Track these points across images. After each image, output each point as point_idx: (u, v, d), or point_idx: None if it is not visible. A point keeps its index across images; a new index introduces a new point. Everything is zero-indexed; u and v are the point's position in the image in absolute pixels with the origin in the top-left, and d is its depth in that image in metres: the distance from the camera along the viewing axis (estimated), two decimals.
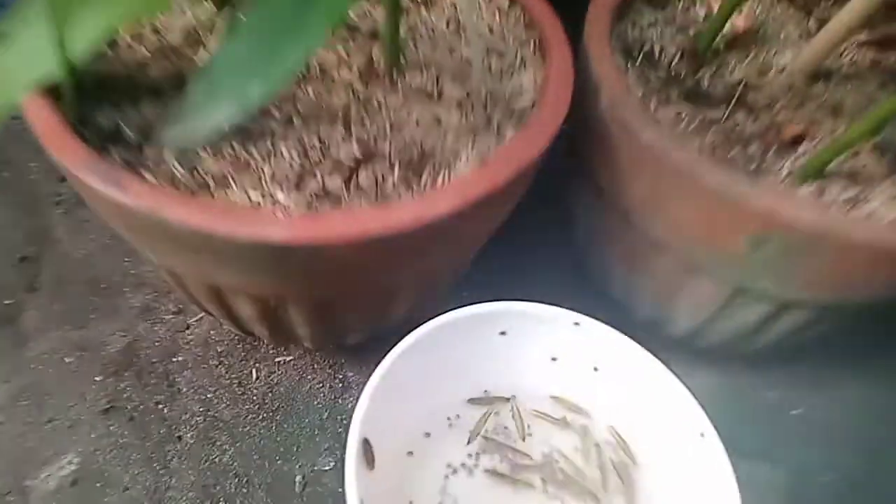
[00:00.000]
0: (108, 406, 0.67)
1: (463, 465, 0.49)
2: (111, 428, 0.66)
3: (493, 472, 0.48)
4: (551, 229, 0.86)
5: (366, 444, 0.44)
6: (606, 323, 0.50)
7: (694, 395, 0.49)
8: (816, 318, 0.59)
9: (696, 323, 0.65)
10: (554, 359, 0.51)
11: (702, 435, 0.45)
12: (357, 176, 0.48)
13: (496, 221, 0.54)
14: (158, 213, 0.40)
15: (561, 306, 0.64)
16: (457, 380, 0.49)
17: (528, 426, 0.50)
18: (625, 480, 0.47)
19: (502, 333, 0.49)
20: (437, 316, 0.50)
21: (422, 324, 0.49)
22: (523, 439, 0.49)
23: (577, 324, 0.49)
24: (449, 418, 0.51)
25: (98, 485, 0.63)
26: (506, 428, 0.50)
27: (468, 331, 0.48)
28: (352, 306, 0.55)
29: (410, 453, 0.49)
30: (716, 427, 0.68)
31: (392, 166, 0.48)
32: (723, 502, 0.42)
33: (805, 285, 0.53)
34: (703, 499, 0.43)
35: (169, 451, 0.66)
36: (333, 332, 0.61)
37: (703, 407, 0.46)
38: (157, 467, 0.65)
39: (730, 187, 0.49)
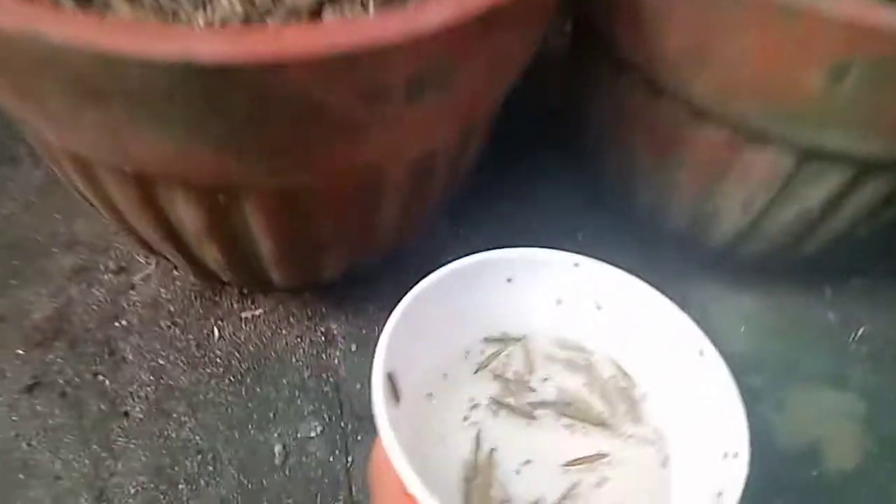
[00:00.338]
0: (32, 382, 0.54)
1: (480, 403, 0.48)
2: (37, 407, 0.53)
3: (509, 409, 0.48)
4: (558, 167, 0.75)
5: (390, 379, 0.42)
6: (634, 247, 0.52)
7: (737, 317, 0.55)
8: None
9: (744, 221, 0.54)
10: (559, 301, 0.51)
11: (701, 353, 0.45)
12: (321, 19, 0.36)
13: (508, 67, 0.42)
14: (41, 34, 0.28)
15: (581, 239, 0.65)
16: (468, 325, 0.49)
17: (537, 367, 0.50)
18: (630, 407, 0.48)
19: (509, 280, 0.49)
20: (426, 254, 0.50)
21: (406, 268, 0.50)
22: (532, 379, 0.49)
23: (576, 265, 0.49)
24: (465, 357, 0.50)
25: (20, 476, 0.49)
26: (516, 370, 0.50)
27: (476, 278, 0.48)
28: (325, 206, 0.42)
29: (430, 395, 0.47)
30: (776, 353, 0.58)
31: (366, 2, 0.37)
32: (727, 415, 0.42)
33: (892, 126, 0.42)
34: (708, 414, 0.44)
35: (112, 429, 0.52)
36: (306, 259, 0.49)
37: (700, 326, 0.45)
38: (98, 450, 0.51)
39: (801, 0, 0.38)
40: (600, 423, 0.47)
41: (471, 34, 0.33)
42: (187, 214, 0.41)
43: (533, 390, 0.48)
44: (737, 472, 0.39)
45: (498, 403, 0.47)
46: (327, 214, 0.44)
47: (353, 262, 0.52)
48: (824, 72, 0.40)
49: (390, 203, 0.46)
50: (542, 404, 0.47)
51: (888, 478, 0.56)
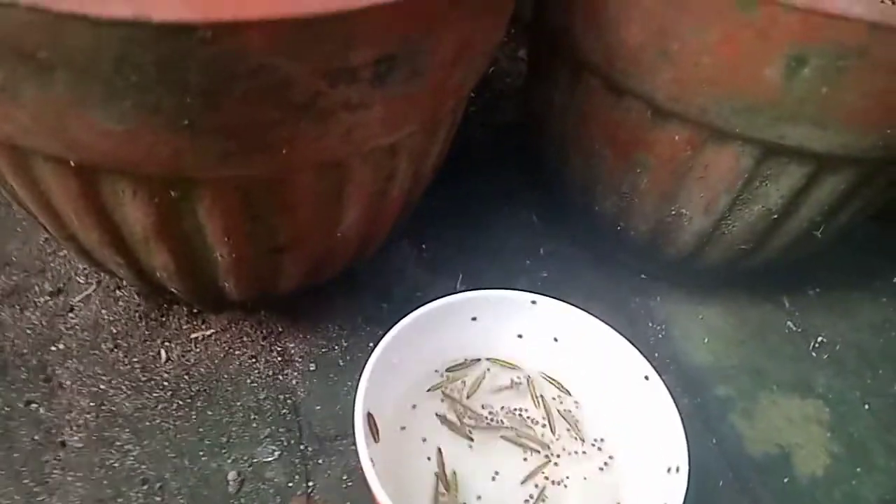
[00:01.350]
0: None
1: (432, 422, 0.50)
2: None
3: (450, 424, 0.50)
4: (517, 183, 0.75)
5: (370, 418, 0.45)
6: (597, 262, 0.57)
7: (700, 329, 0.59)
8: (857, 186, 0.49)
9: (707, 223, 0.54)
10: (520, 335, 0.54)
11: (646, 378, 0.49)
12: None
13: (474, 54, 0.41)
14: None
15: (543, 254, 0.68)
16: (436, 360, 0.52)
17: (486, 390, 0.53)
18: (573, 426, 0.51)
19: (473, 319, 0.52)
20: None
21: (365, 286, 0.58)
22: (478, 400, 0.52)
23: (533, 302, 0.52)
24: (428, 390, 0.52)
25: None
26: (465, 391, 0.52)
27: (443, 318, 0.51)
28: (283, 205, 0.40)
29: (403, 427, 0.49)
30: (741, 363, 0.58)
31: None
32: (670, 434, 0.45)
33: (849, 119, 0.43)
34: (652, 433, 0.47)
35: (47, 461, 0.48)
36: (262, 265, 0.46)
37: (645, 356, 0.49)
38: (31, 484, 0.47)
39: None
40: (538, 442, 0.50)
41: (438, 9, 0.32)
42: (135, 213, 0.39)
43: (473, 410, 0.51)
44: (678, 484, 0.42)
45: (440, 417, 0.50)
46: (286, 214, 0.41)
47: (311, 272, 0.50)
48: (782, 63, 0.41)
49: (352, 205, 0.44)
50: (480, 424, 0.50)
51: (858, 481, 0.55)
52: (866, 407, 0.61)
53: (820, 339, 0.66)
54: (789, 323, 0.67)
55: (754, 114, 0.44)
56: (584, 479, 0.48)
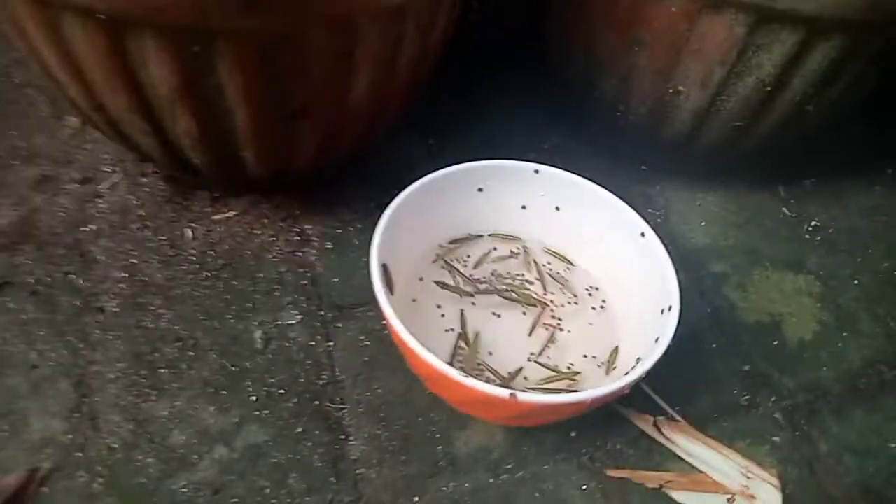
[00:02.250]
0: (1, 282, 0.53)
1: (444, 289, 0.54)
2: (8, 305, 0.52)
3: (448, 288, 0.54)
4: (522, 82, 0.77)
5: (385, 270, 0.47)
6: (598, 153, 0.58)
7: (698, 214, 0.65)
8: (847, 54, 0.50)
9: (703, 99, 0.56)
10: (524, 206, 0.56)
11: (642, 234, 0.51)
12: None
13: None
14: None
15: (546, 149, 0.70)
16: (440, 230, 0.55)
17: (488, 260, 0.56)
18: (565, 284, 0.55)
19: (480, 189, 0.55)
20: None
21: (375, 176, 0.61)
22: (476, 268, 0.56)
23: (536, 171, 0.54)
24: (435, 258, 0.56)
25: None
26: (464, 259, 0.56)
27: (451, 187, 0.53)
28: (299, 63, 0.43)
29: (414, 300, 0.53)
30: (736, 244, 0.61)
31: None
32: (664, 280, 0.48)
33: None
34: (649, 281, 0.50)
35: (88, 323, 0.52)
36: (279, 134, 0.49)
37: (642, 215, 0.52)
38: (74, 341, 0.51)
39: None
40: (533, 298, 0.54)
41: None
42: (160, 71, 0.41)
43: (474, 277, 0.55)
44: (671, 321, 0.45)
45: (441, 284, 0.54)
46: (301, 76, 0.44)
47: (325, 146, 0.52)
48: None
49: (362, 69, 0.46)
50: (479, 289, 0.54)
51: (844, 342, 0.59)
52: (855, 282, 0.64)
53: (814, 223, 0.69)
54: (784, 209, 0.70)
55: None
56: (585, 323, 0.53)
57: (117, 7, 0.37)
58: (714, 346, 0.57)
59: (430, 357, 0.40)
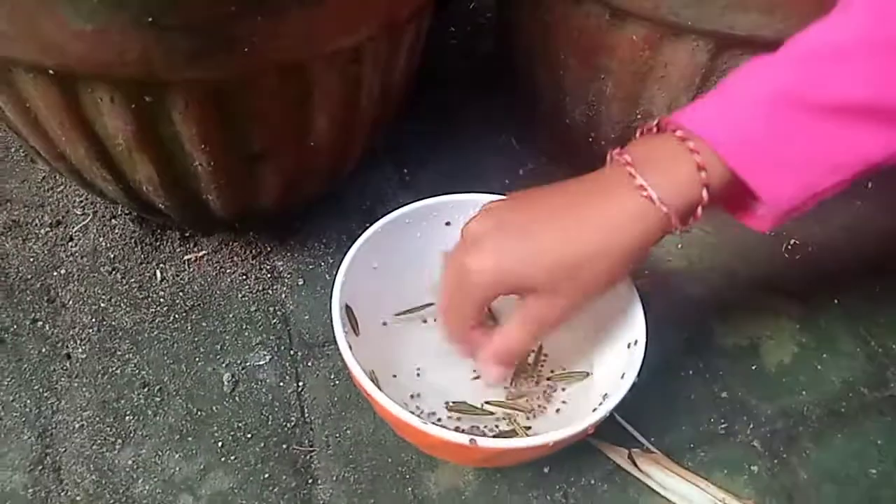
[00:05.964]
0: None
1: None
2: None
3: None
4: (495, 108, 0.76)
5: (348, 310, 0.47)
6: (573, 176, 0.49)
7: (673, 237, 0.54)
8: None
9: None
10: None
11: None
12: None
13: None
14: None
15: (522, 175, 0.70)
16: (414, 268, 0.53)
17: None
18: None
19: (447, 224, 0.53)
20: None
21: (349, 207, 0.61)
22: None
23: None
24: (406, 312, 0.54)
25: None
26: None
27: (418, 222, 0.52)
28: (253, 108, 0.42)
29: (384, 323, 0.52)
30: (714, 266, 0.61)
31: None
32: (631, 314, 0.47)
33: (795, 3, 0.44)
34: (616, 314, 0.48)
35: (54, 370, 0.51)
36: (241, 175, 0.48)
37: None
38: (41, 390, 0.50)
39: None
40: None
41: None
42: (115, 122, 0.41)
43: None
44: (636, 355, 0.44)
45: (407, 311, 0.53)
46: (258, 120, 0.44)
47: (290, 185, 0.52)
48: None
49: (321, 112, 0.46)
50: None
51: (823, 364, 0.58)
52: (836, 301, 0.63)
53: (793, 241, 0.68)
54: None
55: (704, 5, 0.46)
56: (565, 349, 0.52)
57: (65, 62, 0.37)
58: (691, 371, 0.57)
59: (389, 403, 0.39)
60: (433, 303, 0.53)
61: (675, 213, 0.37)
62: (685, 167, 0.36)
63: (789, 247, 0.68)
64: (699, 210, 0.38)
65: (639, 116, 0.57)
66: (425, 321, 0.53)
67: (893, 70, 0.33)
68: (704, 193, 0.37)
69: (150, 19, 0.34)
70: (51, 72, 0.38)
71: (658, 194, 0.36)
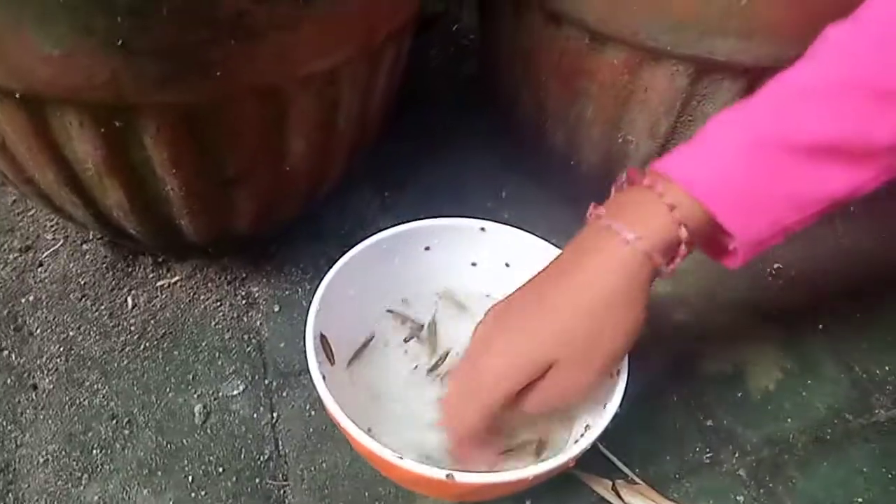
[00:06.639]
0: None
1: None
2: None
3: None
4: (477, 130, 0.76)
5: (323, 340, 0.46)
6: (555, 200, 0.57)
7: None
8: None
9: (653, 148, 0.56)
10: (474, 263, 0.54)
11: None
12: None
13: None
14: None
15: (504, 197, 0.69)
16: (392, 293, 0.53)
17: (441, 323, 0.54)
18: None
19: (427, 248, 0.53)
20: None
21: (327, 231, 0.59)
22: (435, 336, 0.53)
23: (482, 229, 0.53)
24: (384, 322, 0.53)
25: None
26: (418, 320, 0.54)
27: (395, 248, 0.51)
28: (226, 132, 0.41)
29: (363, 353, 0.51)
30: (698, 291, 0.61)
31: None
32: None
33: (773, 29, 0.44)
34: None
35: (19, 402, 0.50)
36: (215, 200, 0.47)
37: None
38: (3, 422, 0.48)
39: None
40: None
41: None
42: (84, 146, 0.40)
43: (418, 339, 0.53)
44: (618, 386, 0.43)
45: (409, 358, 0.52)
46: (231, 144, 0.43)
47: (266, 209, 0.51)
48: None
49: (296, 135, 0.45)
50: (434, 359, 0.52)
51: (808, 390, 0.57)
52: (820, 326, 0.63)
53: (776, 266, 0.68)
54: None
55: (682, 30, 0.46)
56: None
57: (33, 87, 0.36)
58: (675, 399, 0.56)
59: (363, 437, 0.38)
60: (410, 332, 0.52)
61: (655, 251, 0.37)
62: (654, 207, 0.37)
63: (773, 271, 0.67)
64: (682, 248, 0.38)
65: (620, 140, 0.56)
66: (406, 352, 0.52)
67: (858, 109, 0.34)
68: (682, 231, 0.37)
69: (119, 43, 0.33)
70: (17, 96, 0.37)
71: (633, 235, 0.37)
